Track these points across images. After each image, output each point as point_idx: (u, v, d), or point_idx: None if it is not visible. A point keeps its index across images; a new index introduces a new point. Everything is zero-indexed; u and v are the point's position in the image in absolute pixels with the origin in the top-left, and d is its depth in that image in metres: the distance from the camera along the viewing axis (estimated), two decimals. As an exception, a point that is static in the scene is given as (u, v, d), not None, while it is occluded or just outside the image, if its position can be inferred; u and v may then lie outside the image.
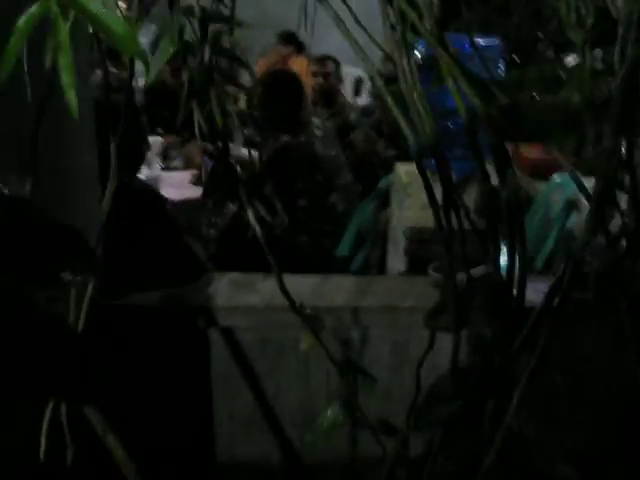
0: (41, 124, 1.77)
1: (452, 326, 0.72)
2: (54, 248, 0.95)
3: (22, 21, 0.49)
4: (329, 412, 0.87)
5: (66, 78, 0.44)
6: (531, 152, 3.96)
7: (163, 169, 4.18)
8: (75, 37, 0.75)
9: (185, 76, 0.66)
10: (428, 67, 2.77)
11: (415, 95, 0.74)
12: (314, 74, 4.98)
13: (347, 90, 6.54)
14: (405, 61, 0.74)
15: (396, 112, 0.75)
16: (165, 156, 4.30)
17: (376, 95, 4.44)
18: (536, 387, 0.70)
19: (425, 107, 0.75)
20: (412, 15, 0.67)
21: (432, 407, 0.70)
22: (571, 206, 3.47)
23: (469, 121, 0.76)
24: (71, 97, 0.44)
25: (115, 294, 2.42)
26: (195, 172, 4.05)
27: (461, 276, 0.88)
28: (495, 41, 2.75)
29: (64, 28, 0.44)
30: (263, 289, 2.54)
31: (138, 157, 2.70)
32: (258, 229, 0.77)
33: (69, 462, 0.88)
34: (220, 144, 0.75)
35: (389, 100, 0.76)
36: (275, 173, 3.53)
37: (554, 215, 3.46)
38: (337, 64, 5.27)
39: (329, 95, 4.99)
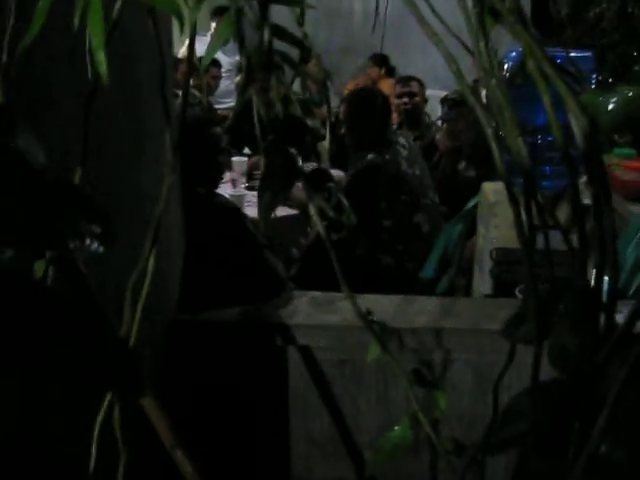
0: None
1: (533, 337, 0.65)
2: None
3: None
4: (396, 429, 0.81)
5: (95, 40, 0.40)
6: (625, 174, 3.82)
7: (248, 188, 4.20)
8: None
9: (243, 61, 0.62)
10: (515, 83, 2.69)
11: (505, 111, 0.68)
12: (399, 95, 4.93)
13: (432, 112, 6.48)
14: (482, 44, 0.68)
15: (485, 126, 0.68)
16: (250, 176, 4.31)
17: (458, 115, 4.36)
18: (628, 406, 0.63)
19: (513, 123, 0.68)
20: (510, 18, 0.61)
21: (507, 425, 0.63)
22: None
23: (563, 137, 0.69)
24: (100, 59, 0.40)
25: (194, 310, 2.41)
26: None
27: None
28: (588, 55, 2.65)
29: (94, -16, 0.41)
30: (344, 308, 2.49)
31: (215, 171, 2.68)
32: (320, 226, 0.71)
33: (121, 473, 0.84)
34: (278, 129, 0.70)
35: (480, 114, 0.70)
36: (360, 192, 3.48)
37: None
38: (422, 85, 5.22)
39: (414, 116, 4.94)
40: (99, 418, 0.82)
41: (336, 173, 4.28)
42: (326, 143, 6.70)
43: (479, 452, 0.66)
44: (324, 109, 7.25)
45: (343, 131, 3.82)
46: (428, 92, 6.07)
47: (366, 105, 3.63)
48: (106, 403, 0.83)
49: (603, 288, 0.68)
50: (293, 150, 0.70)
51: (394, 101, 4.78)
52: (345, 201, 0.88)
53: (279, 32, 0.62)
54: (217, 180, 2.73)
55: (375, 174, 3.47)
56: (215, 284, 2.48)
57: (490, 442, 0.64)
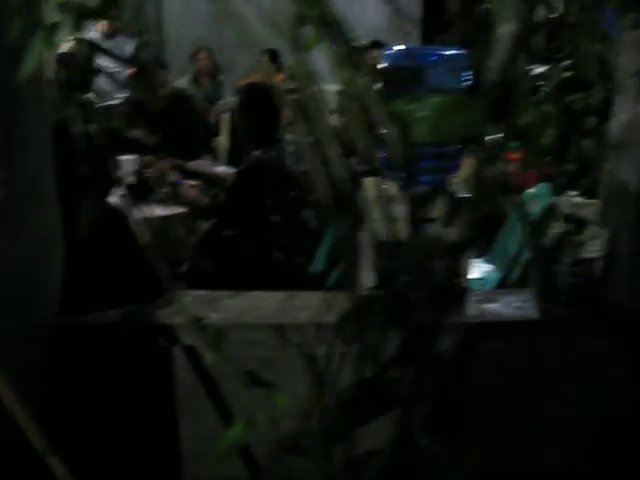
0: None
1: (354, 338, 0.68)
2: None
3: None
4: (231, 431, 0.82)
5: None
6: (505, 166, 3.95)
7: (137, 187, 4.14)
8: None
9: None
10: (392, 81, 2.75)
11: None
12: (290, 91, 4.95)
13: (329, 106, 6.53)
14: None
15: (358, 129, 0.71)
16: (140, 175, 4.25)
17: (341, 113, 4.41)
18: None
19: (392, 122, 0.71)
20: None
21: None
22: (547, 217, 3.44)
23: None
24: None
25: (77, 313, 2.38)
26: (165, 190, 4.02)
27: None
28: (462, 52, 2.74)
29: None
30: (229, 307, 2.50)
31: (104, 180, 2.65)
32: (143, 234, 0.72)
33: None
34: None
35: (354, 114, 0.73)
36: (246, 188, 3.49)
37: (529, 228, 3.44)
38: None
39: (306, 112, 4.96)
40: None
41: (226, 170, 4.28)
42: (223, 139, 6.69)
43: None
44: (219, 105, 7.26)
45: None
46: (325, 86, 6.10)
47: (254, 101, 3.64)
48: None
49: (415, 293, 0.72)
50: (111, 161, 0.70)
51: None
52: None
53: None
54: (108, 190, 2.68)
55: (261, 171, 3.48)
56: (97, 287, 2.46)
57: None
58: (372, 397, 0.62)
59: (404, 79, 2.54)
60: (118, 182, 3.59)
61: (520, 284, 3.25)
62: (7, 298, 1.93)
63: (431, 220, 3.01)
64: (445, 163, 2.78)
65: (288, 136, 3.70)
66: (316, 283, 3.46)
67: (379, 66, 2.69)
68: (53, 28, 0.57)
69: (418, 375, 0.61)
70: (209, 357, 0.83)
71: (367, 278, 2.98)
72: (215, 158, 6.22)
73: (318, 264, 3.50)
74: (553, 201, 3.41)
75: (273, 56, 7.18)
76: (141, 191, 3.66)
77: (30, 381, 2.16)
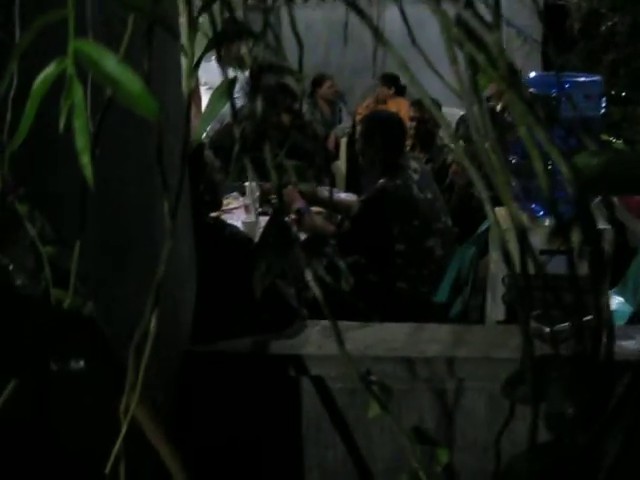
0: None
1: (529, 398, 0.65)
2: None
3: (37, 83, 0.46)
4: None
5: (80, 141, 0.41)
6: None
7: (261, 214, 4.20)
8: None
9: (236, 131, 0.63)
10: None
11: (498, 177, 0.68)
12: (412, 119, 4.93)
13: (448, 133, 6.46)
14: (476, 107, 0.68)
15: (468, 165, 0.69)
16: (264, 201, 4.31)
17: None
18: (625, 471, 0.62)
19: (506, 189, 0.68)
20: (481, 58, 0.61)
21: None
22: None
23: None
24: (85, 162, 0.41)
25: (206, 341, 2.42)
26: (293, 217, 4.06)
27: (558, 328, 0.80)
28: (597, 78, 2.65)
29: (79, 89, 0.41)
30: (356, 338, 2.49)
31: (214, 193, 2.69)
32: (317, 291, 0.71)
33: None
34: (277, 201, 0.70)
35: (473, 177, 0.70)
36: (371, 217, 3.49)
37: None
38: (438, 107, 5.20)
39: (426, 139, 4.94)
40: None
41: (349, 197, 4.29)
42: (341, 164, 6.73)
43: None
44: (338, 130, 7.31)
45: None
46: (444, 110, 6.05)
47: (380, 129, 3.63)
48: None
49: (600, 352, 0.68)
50: (287, 220, 0.70)
51: (407, 123, 4.78)
52: (342, 265, 0.88)
53: (272, 99, 0.63)
54: (219, 203, 2.73)
55: (386, 199, 3.47)
56: (227, 315, 2.49)
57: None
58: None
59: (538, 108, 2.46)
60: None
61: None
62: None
63: (567, 252, 2.94)
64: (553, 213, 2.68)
65: (413, 164, 3.67)
66: (440, 313, 3.42)
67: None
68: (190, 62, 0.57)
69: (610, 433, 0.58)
70: (372, 411, 0.80)
71: (495, 310, 2.92)
72: (333, 183, 6.25)
73: (442, 294, 3.45)
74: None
75: (389, 80, 7.16)
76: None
77: (165, 407, 2.21)
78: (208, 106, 0.63)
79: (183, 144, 0.69)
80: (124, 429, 0.83)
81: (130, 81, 0.39)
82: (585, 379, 0.60)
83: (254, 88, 0.61)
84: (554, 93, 2.61)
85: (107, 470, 0.87)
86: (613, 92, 6.27)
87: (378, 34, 0.78)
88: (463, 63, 0.78)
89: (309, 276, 0.70)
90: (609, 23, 7.61)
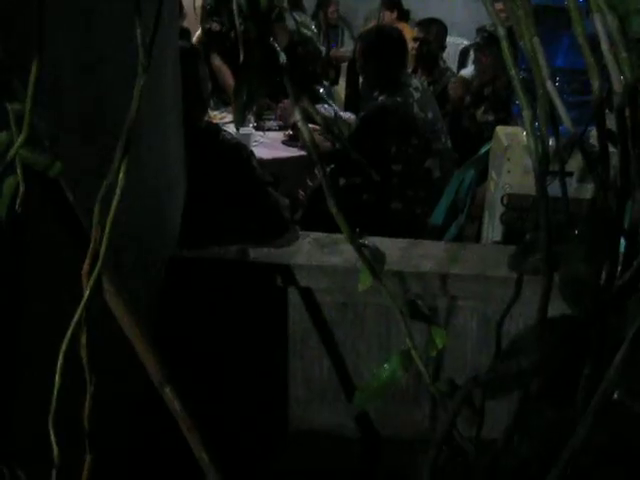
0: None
1: (542, 267, 0.57)
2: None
3: None
4: (386, 367, 0.73)
5: None
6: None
7: (256, 128, 4.09)
8: None
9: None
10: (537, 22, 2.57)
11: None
12: (416, 39, 4.79)
13: (452, 61, 6.31)
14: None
15: (510, 66, 0.59)
16: (259, 116, 4.20)
17: (479, 54, 4.23)
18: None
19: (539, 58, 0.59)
20: None
21: (508, 362, 0.55)
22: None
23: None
24: None
25: (195, 246, 2.35)
26: (289, 132, 3.95)
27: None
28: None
29: None
30: (347, 250, 2.41)
31: (198, 103, 2.57)
32: (306, 133, 0.62)
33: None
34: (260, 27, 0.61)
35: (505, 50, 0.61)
36: (369, 134, 3.38)
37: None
38: (444, 30, 5.06)
39: (429, 61, 4.80)
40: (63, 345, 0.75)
41: (347, 116, 4.17)
42: (340, 88, 6.58)
43: (473, 390, 0.59)
44: (340, 51, 7.15)
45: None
46: (448, 39, 5.90)
47: (380, 45, 3.50)
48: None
49: (625, 212, 0.61)
50: (275, 44, 0.61)
51: (411, 44, 4.64)
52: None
53: None
54: (201, 113, 2.62)
55: (385, 116, 3.36)
56: (217, 220, 2.41)
57: (487, 385, 0.56)
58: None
59: (550, 21, 2.36)
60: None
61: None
62: (129, 227, 1.90)
63: (568, 174, 2.85)
64: (588, 113, 2.58)
65: (414, 81, 3.55)
66: (434, 235, 3.34)
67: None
68: None
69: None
70: (362, 282, 0.73)
71: (492, 232, 2.84)
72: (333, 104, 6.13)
73: (438, 216, 3.37)
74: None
75: (392, 5, 6.99)
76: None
77: (147, 310, 2.14)
78: None
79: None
80: (86, 295, 0.76)
81: None
82: (607, 241, 0.53)
83: None
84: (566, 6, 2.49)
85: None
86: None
87: None
88: None
89: (298, 116, 0.61)
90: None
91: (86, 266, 0.81)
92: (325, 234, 2.48)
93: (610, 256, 0.53)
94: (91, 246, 0.79)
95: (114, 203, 0.70)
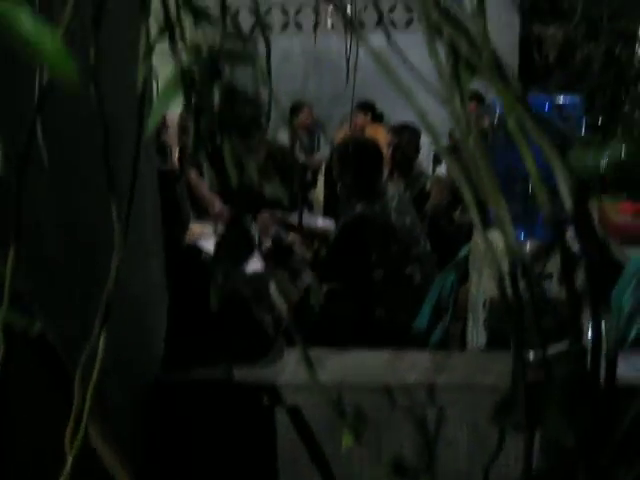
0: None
1: (523, 425, 0.58)
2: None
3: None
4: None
5: None
6: (620, 217, 3.76)
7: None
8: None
9: (191, 125, 0.56)
10: (506, 132, 2.65)
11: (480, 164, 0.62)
12: (389, 144, 4.89)
13: (427, 159, 6.43)
14: (458, 101, 0.62)
15: (458, 177, 0.62)
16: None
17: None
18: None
19: (490, 178, 0.62)
20: (463, 46, 0.55)
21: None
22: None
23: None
24: None
25: (179, 368, 2.34)
26: (269, 246, 3.99)
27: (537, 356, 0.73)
28: (576, 99, 2.61)
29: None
30: (334, 365, 2.41)
31: (178, 224, 2.61)
32: (283, 307, 0.64)
33: None
34: (236, 205, 0.63)
35: (457, 177, 0.64)
36: (349, 243, 3.42)
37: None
38: (416, 133, 5.17)
39: (404, 166, 4.89)
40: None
41: (326, 223, 4.22)
42: (319, 192, 6.65)
43: None
44: (316, 157, 7.27)
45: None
46: (422, 139, 6.02)
47: (356, 155, 3.57)
48: None
49: (600, 370, 0.62)
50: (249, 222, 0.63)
51: (384, 150, 4.74)
52: (313, 282, 0.81)
53: (231, 94, 0.56)
54: (182, 233, 2.66)
55: (364, 226, 3.41)
56: (200, 341, 2.41)
57: None
58: None
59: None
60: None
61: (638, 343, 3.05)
62: (112, 352, 1.89)
63: (547, 276, 2.89)
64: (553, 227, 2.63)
65: (391, 189, 3.62)
66: (419, 340, 3.34)
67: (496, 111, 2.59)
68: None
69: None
70: (346, 440, 0.73)
71: (477, 336, 2.85)
72: (311, 210, 6.20)
73: (422, 320, 3.38)
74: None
75: (366, 107, 7.15)
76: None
77: (132, 440, 2.11)
78: (159, 98, 0.56)
79: (136, 143, 0.62)
80: (69, 460, 0.75)
81: (47, 39, 0.32)
82: (586, 402, 0.54)
83: (211, 76, 0.54)
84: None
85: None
86: (588, 120, 6.28)
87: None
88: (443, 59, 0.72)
89: (273, 289, 0.63)
90: (584, 52, 7.67)
91: (69, 429, 0.81)
92: (311, 350, 2.47)
93: (588, 420, 0.54)
94: (74, 409, 0.80)
95: (94, 374, 0.70)
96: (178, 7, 0.58)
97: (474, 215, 0.76)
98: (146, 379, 2.25)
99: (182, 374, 2.34)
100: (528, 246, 2.59)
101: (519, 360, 0.59)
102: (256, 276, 2.65)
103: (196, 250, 2.60)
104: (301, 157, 6.88)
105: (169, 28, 0.56)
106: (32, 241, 1.39)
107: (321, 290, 3.69)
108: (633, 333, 3.17)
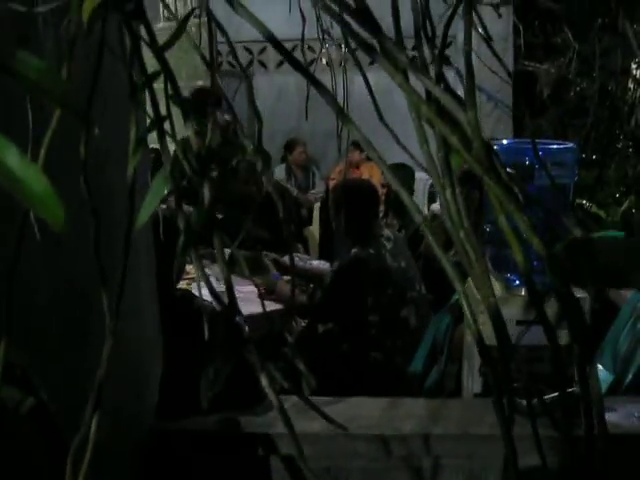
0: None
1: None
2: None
3: None
4: None
5: None
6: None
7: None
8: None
9: (181, 222, 0.56)
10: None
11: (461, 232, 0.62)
12: (384, 185, 4.91)
13: (421, 198, 6.45)
14: (449, 192, 0.62)
15: (438, 251, 0.62)
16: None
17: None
18: None
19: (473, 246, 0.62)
20: (454, 139, 0.55)
21: None
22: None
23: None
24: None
25: (174, 417, 2.32)
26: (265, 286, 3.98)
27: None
28: (570, 145, 2.63)
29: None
30: (330, 414, 2.39)
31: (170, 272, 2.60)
32: (274, 398, 0.64)
33: None
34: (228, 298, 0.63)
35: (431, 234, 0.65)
36: (344, 287, 3.41)
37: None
38: (411, 173, 5.20)
39: (398, 206, 4.91)
40: None
41: (321, 265, 4.22)
42: (314, 229, 6.66)
43: None
44: (311, 194, 7.29)
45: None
46: (417, 175, 6.05)
47: (350, 198, 3.59)
48: None
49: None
50: (239, 319, 0.64)
51: (380, 189, 4.75)
52: (302, 367, 0.81)
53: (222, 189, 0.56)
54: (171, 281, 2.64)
55: (359, 269, 3.41)
56: (195, 390, 2.39)
57: None
58: None
59: (514, 176, 2.44)
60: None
61: (636, 389, 3.03)
62: (105, 401, 1.88)
63: (544, 322, 2.87)
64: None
65: (385, 231, 3.62)
66: (415, 383, 3.33)
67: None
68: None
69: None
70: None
71: (472, 382, 2.84)
72: (307, 248, 6.20)
73: (417, 364, 3.37)
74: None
75: (360, 145, 7.18)
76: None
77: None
78: (150, 191, 0.57)
79: (126, 233, 0.62)
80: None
81: (34, 179, 0.32)
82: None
83: (202, 174, 0.54)
84: (527, 161, 2.57)
85: None
86: (584, 155, 6.32)
87: (345, 101, 0.73)
88: (434, 142, 0.73)
89: (264, 381, 0.62)
90: (577, 88, 7.72)
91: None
92: (305, 397, 2.46)
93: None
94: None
95: (86, 458, 0.70)
96: (167, 101, 0.59)
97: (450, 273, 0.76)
98: (140, 429, 2.23)
99: (177, 423, 2.32)
100: (523, 292, 2.59)
101: (501, 412, 0.59)
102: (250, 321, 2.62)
103: (189, 296, 2.60)
104: (295, 193, 6.90)
105: (157, 122, 0.56)
106: (24, 312, 1.39)
107: (317, 331, 3.69)
108: (629, 377, 3.15)
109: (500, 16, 2.35)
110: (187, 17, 0.68)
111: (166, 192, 0.57)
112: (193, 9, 0.80)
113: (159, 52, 0.58)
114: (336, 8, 0.56)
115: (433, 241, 0.65)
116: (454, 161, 0.70)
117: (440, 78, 0.67)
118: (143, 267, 2.21)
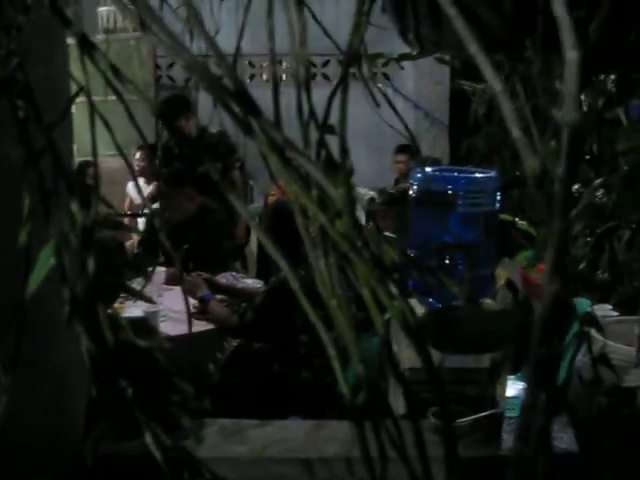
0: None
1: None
2: None
3: None
4: None
5: None
6: (541, 277, 3.86)
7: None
8: None
9: (66, 294, 0.59)
10: (421, 202, 2.71)
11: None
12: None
13: (361, 211, 6.50)
14: (322, 262, 0.66)
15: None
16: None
17: (381, 216, 4.41)
18: None
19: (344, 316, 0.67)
20: (322, 218, 0.59)
21: None
22: (582, 336, 3.33)
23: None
24: None
25: (97, 443, 2.31)
26: (197, 304, 3.99)
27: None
28: (492, 174, 2.71)
29: None
30: (255, 438, 2.42)
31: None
32: (159, 456, 0.67)
33: None
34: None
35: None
36: (274, 307, 3.45)
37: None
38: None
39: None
40: None
41: (254, 284, 4.25)
42: (253, 246, 6.68)
43: None
44: (249, 210, 7.30)
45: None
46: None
47: (280, 220, 3.62)
48: None
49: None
50: (124, 382, 0.66)
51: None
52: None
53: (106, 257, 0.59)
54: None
55: (289, 288, 3.43)
56: (121, 416, 2.39)
57: None
58: None
59: (435, 203, 2.52)
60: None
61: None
62: (28, 435, 1.88)
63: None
64: (479, 285, 2.73)
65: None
66: (344, 402, 3.38)
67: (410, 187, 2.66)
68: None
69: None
70: None
71: (398, 403, 2.89)
72: (245, 266, 6.22)
73: (346, 384, 3.42)
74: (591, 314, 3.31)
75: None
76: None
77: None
78: (37, 265, 0.59)
79: (19, 304, 0.64)
80: None
81: None
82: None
83: (85, 246, 0.57)
84: (449, 190, 2.65)
85: None
86: (518, 173, 6.45)
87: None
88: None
89: (148, 439, 0.65)
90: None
91: None
92: (232, 420, 2.49)
93: None
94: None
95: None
96: (55, 176, 0.61)
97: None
98: (64, 456, 2.22)
99: (102, 448, 2.32)
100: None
101: (417, 433, 0.63)
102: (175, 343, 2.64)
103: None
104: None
105: (45, 200, 0.59)
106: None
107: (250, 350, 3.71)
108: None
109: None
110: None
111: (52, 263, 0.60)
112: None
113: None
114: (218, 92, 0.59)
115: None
116: (332, 230, 0.74)
117: (321, 150, 0.71)
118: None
